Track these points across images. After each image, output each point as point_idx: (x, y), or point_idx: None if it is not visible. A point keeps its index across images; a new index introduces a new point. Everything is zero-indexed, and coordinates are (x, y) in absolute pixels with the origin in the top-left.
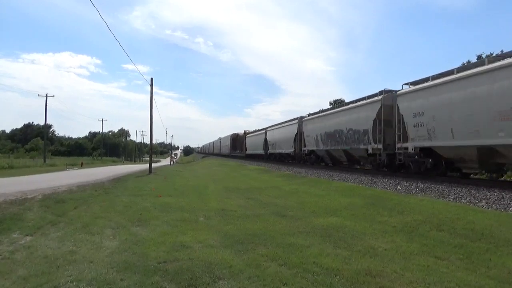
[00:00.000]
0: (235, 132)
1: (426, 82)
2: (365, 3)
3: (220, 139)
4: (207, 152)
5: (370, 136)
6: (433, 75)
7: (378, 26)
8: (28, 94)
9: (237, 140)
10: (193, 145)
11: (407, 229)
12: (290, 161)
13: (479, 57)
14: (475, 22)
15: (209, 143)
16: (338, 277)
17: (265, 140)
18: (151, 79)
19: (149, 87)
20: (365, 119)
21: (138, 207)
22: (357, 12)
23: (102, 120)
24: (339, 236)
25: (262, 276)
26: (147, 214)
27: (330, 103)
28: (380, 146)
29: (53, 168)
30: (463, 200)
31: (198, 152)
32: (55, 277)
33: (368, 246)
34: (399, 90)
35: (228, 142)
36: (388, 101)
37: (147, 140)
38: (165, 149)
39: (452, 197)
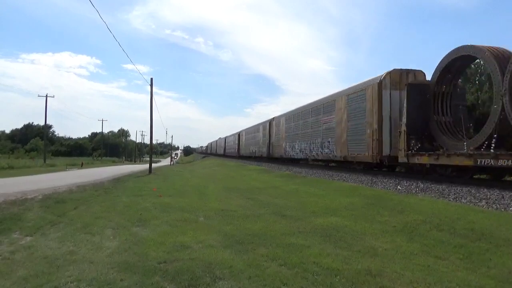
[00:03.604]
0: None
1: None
2: (366, 2)
3: (272, 120)
4: (216, 153)
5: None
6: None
7: (379, 25)
8: (28, 94)
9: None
10: (193, 145)
11: (407, 229)
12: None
13: None
14: (477, 22)
15: (220, 139)
16: (338, 277)
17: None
18: (151, 79)
19: (149, 87)
20: None
21: (138, 207)
22: (358, 11)
23: (102, 120)
24: (339, 236)
25: (262, 276)
26: (147, 214)
27: None
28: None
29: (53, 168)
30: (463, 200)
31: (200, 153)
32: (55, 278)
33: (368, 246)
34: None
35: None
36: None
37: (147, 140)
38: (165, 149)
39: (452, 197)
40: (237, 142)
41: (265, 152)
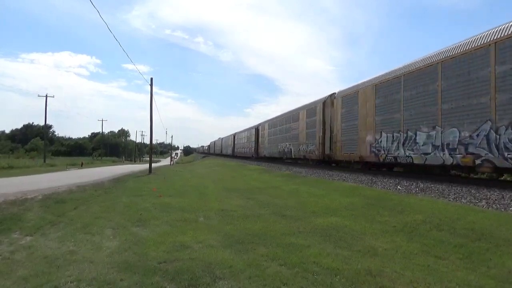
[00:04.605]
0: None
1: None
2: (368, 2)
3: (331, 97)
4: (221, 153)
5: None
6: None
7: (382, 25)
8: (27, 94)
9: None
10: (193, 145)
11: (407, 229)
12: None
13: None
14: (479, 22)
15: (226, 137)
16: (338, 277)
17: None
18: (151, 79)
19: (149, 87)
20: None
21: (138, 207)
22: (360, 11)
23: (102, 120)
24: (339, 236)
25: (262, 276)
26: (147, 214)
27: None
28: None
29: (53, 168)
30: (463, 200)
31: (201, 153)
32: (55, 277)
33: (368, 246)
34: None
35: None
36: None
37: (147, 140)
38: (165, 149)
39: (452, 197)
40: (253, 139)
41: (315, 151)
